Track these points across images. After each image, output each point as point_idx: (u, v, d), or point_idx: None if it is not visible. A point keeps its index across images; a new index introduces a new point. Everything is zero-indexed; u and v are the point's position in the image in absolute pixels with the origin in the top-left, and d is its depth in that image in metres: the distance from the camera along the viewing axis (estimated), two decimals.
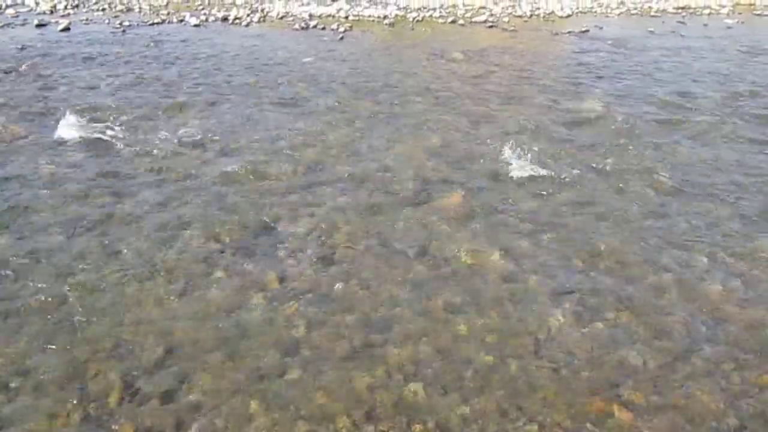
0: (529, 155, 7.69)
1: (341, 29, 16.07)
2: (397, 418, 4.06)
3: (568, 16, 19.20)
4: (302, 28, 16.23)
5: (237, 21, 16.72)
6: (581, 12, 19.79)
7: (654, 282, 5.46)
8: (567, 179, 7.33)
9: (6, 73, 11.07)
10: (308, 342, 4.68)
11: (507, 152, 7.73)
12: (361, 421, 4.04)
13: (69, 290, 5.14)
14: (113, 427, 3.95)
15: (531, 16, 18.95)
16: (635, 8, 20.40)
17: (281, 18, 17.30)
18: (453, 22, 17.70)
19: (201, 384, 4.28)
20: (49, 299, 5.03)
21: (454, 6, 19.25)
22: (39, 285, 5.21)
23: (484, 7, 19.31)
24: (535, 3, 20.15)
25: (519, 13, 19.07)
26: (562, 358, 4.62)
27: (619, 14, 19.72)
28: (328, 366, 4.46)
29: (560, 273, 5.58)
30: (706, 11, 20.27)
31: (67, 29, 14.93)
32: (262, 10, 17.78)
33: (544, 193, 7.02)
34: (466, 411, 4.14)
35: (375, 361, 4.51)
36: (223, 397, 4.19)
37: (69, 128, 8.39)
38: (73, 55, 12.54)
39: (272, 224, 6.24)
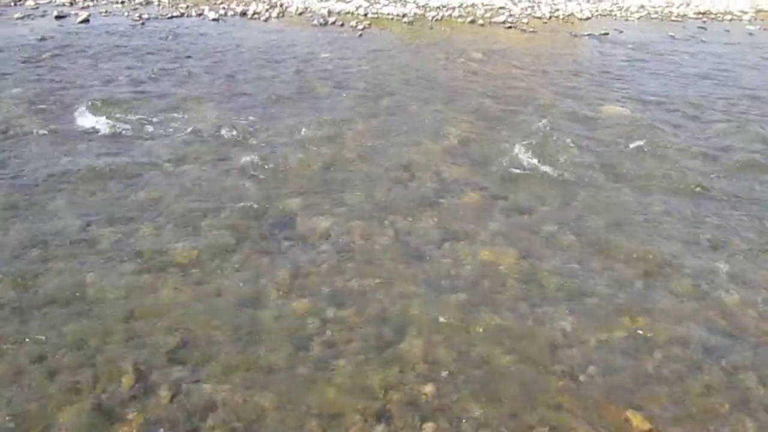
0: (549, 157, 7.62)
1: (360, 26, 16.02)
2: (409, 417, 4.02)
3: (588, 18, 19.04)
4: (321, 25, 16.20)
5: (256, 16, 16.71)
6: (601, 15, 19.61)
7: (674, 287, 5.39)
8: (587, 182, 7.26)
9: (25, 63, 11.12)
10: (321, 338, 4.65)
11: (526, 153, 7.66)
12: (373, 419, 4.00)
13: (84, 279, 5.14)
14: (124, 416, 3.94)
15: (550, 17, 18.81)
16: (656, 12, 20.21)
17: (300, 14, 17.28)
18: (472, 21, 17.61)
19: (213, 376, 4.26)
20: (65, 287, 5.03)
21: (473, 6, 19.13)
22: (55, 273, 5.21)
23: (503, 8, 19.18)
24: (555, 5, 20.00)
25: (538, 14, 18.93)
26: (578, 362, 4.57)
27: (639, 18, 19.53)
28: (342, 362, 4.42)
29: (578, 276, 5.52)
30: (728, 17, 20.05)
31: (86, 21, 14.98)
32: (281, 6, 17.77)
33: (564, 195, 6.95)
34: (479, 412, 4.10)
35: (389, 359, 4.47)
36: (235, 390, 4.16)
37: (87, 119, 8.42)
38: (91, 47, 12.57)
39: (289, 219, 6.22)
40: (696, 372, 4.54)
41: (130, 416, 3.94)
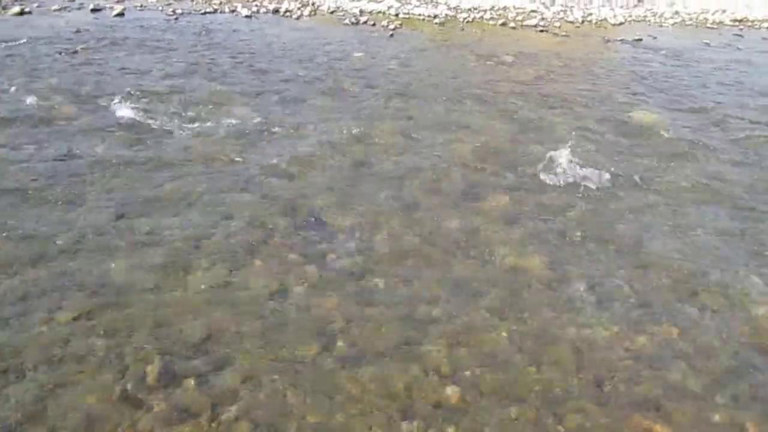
0: (578, 162, 7.56)
1: (391, 26, 16.06)
2: (431, 418, 4.02)
3: (621, 23, 18.86)
4: (352, 24, 16.26)
5: (288, 14, 16.83)
6: (634, 20, 19.41)
7: (704, 299, 5.31)
8: (616, 188, 7.19)
9: (61, 55, 11.32)
10: (346, 335, 4.66)
11: (555, 158, 7.60)
12: (396, 418, 4.01)
13: (114, 267, 5.22)
14: (150, 405, 3.99)
15: (583, 22, 18.67)
16: (690, 19, 19.94)
17: (332, 12, 17.36)
18: (503, 24, 17.54)
19: (238, 369, 4.30)
20: (95, 275, 5.11)
21: (504, 8, 19.07)
22: (86, 260, 5.29)
23: (535, 11, 19.09)
24: (587, 9, 19.85)
25: (570, 18, 18.80)
26: (603, 370, 4.52)
27: (673, 24, 19.28)
28: (366, 361, 4.43)
29: (605, 283, 5.46)
30: (765, 24, 19.71)
31: (121, 15, 15.22)
32: (313, 4, 17.87)
33: (592, 201, 6.90)
34: (502, 416, 4.08)
35: (412, 360, 4.47)
36: (260, 384, 4.20)
37: (120, 111, 8.55)
38: (126, 40, 12.75)
39: (316, 216, 6.25)
40: (723, 386, 4.46)
41: (155, 404, 3.99)
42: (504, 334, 4.78)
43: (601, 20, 18.96)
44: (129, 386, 4.12)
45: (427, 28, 16.62)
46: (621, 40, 16.30)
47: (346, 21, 16.47)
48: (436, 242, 5.94)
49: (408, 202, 6.64)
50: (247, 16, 16.20)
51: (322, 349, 4.52)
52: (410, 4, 18.60)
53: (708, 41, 16.67)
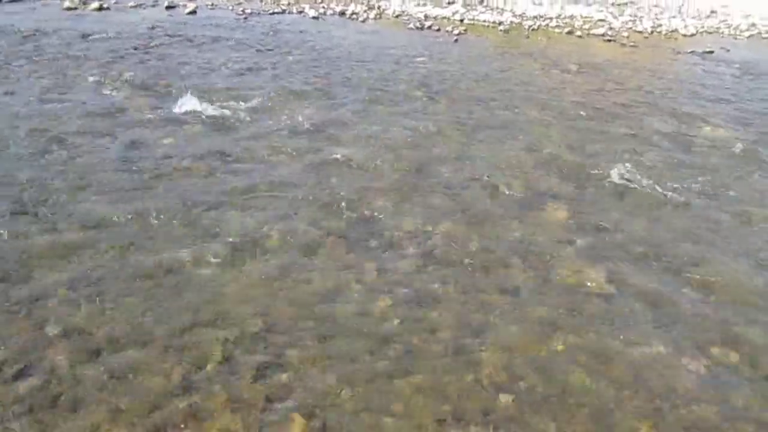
0: (642, 176, 7.41)
1: (456, 32, 16.05)
2: (483, 426, 4.02)
3: (692, 35, 18.33)
4: (417, 28, 16.33)
5: (354, 16, 17.04)
6: (707, 32, 18.84)
7: None
8: (681, 204, 7.02)
9: (137, 50, 11.76)
10: (400, 338, 4.70)
11: (619, 170, 7.47)
12: (446, 423, 4.02)
13: (177, 259, 5.39)
14: (210, 392, 4.11)
15: (652, 32, 18.23)
16: (767, 31, 19.23)
17: (397, 16, 17.47)
18: (569, 33, 17.29)
19: (294, 364, 4.39)
20: (158, 266, 5.29)
21: (571, 17, 18.80)
22: (152, 250, 5.50)
23: (603, 20, 18.75)
24: (657, 19, 19.38)
25: (639, 28, 18.38)
26: (660, 390, 4.42)
27: (748, 37, 18.63)
28: (419, 364, 4.46)
29: (666, 301, 5.34)
30: None
31: (193, 12, 15.71)
32: (379, 8, 18.03)
33: (655, 215, 6.75)
34: (554, 429, 4.04)
35: (466, 366, 4.47)
36: (314, 379, 4.27)
37: (189, 105, 8.83)
38: (197, 38, 13.15)
39: (374, 218, 6.31)
40: None
41: (215, 392, 4.10)
42: (560, 346, 4.74)
43: (672, 31, 18.47)
44: (189, 373, 4.25)
45: (491, 34, 16.54)
46: (691, 51, 15.86)
47: (411, 25, 16.54)
48: (493, 249, 5.92)
49: (466, 208, 6.64)
50: (314, 18, 16.47)
51: (376, 349, 4.57)
52: (476, 10, 18.56)
53: None
